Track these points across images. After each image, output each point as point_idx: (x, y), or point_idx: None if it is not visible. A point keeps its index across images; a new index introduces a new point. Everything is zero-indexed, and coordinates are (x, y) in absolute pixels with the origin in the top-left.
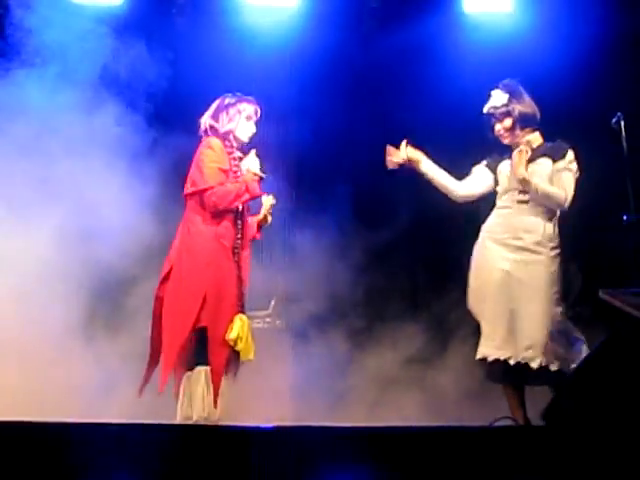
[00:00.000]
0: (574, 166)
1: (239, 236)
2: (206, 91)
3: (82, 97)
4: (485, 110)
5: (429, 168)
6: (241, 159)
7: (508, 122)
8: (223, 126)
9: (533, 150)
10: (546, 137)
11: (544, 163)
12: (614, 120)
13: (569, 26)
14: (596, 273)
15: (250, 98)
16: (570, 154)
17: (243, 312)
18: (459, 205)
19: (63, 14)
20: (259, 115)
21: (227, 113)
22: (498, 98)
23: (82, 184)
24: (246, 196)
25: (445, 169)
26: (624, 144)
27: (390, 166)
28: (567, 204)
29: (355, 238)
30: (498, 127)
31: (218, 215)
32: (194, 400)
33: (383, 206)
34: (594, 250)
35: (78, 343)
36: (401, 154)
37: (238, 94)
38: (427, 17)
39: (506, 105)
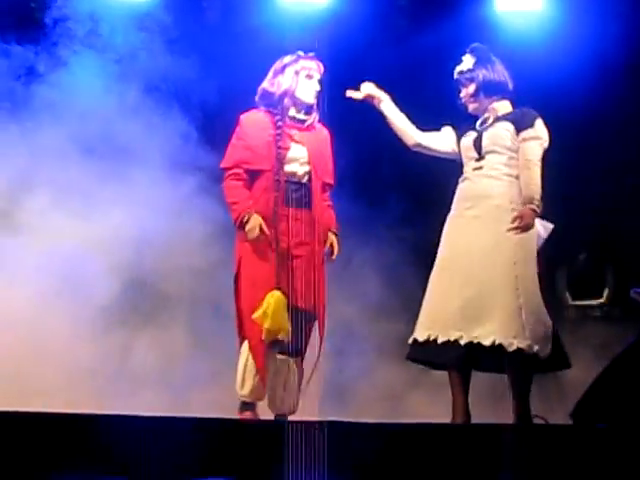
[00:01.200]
0: (543, 135)
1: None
2: (236, 93)
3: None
4: (455, 75)
5: (389, 109)
6: (303, 123)
7: (472, 88)
8: (279, 89)
9: (497, 117)
10: (574, 135)
11: (504, 128)
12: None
13: (599, 24)
14: (628, 273)
15: (310, 54)
16: (539, 122)
17: (279, 289)
18: None
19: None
20: (322, 72)
21: (283, 74)
22: (465, 63)
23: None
24: (232, 212)
25: None
26: None
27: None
28: (538, 195)
29: None
30: (463, 92)
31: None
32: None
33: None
34: (627, 250)
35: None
36: (363, 89)
37: (299, 53)
38: (458, 15)
39: (471, 70)
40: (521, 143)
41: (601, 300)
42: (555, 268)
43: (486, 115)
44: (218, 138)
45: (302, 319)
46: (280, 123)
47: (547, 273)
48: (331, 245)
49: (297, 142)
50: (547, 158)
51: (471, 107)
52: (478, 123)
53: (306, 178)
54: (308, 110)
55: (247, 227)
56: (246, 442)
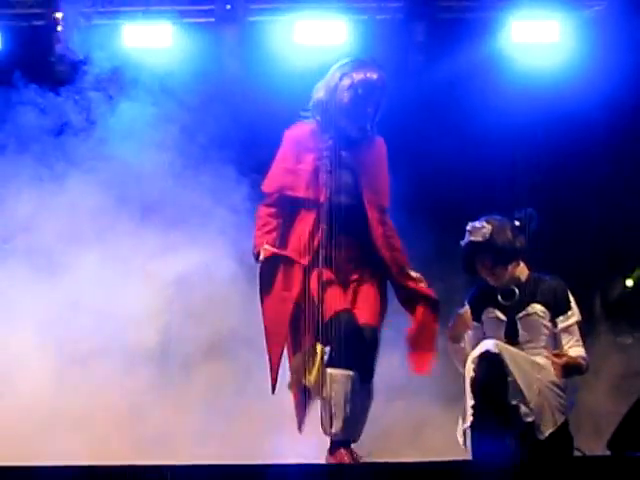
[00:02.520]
0: (577, 311)
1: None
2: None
3: None
4: (469, 239)
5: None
6: (356, 144)
7: (489, 259)
8: (332, 99)
9: (524, 293)
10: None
11: (539, 315)
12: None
13: (616, 56)
14: None
15: (370, 62)
16: (571, 298)
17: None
18: None
19: None
20: (384, 83)
21: (339, 83)
22: (480, 231)
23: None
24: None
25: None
26: None
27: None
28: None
29: None
30: (480, 266)
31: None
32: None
33: None
34: None
35: None
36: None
37: (359, 59)
38: (475, 48)
39: (488, 240)
40: (561, 333)
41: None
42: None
43: (507, 283)
44: None
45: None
46: (330, 142)
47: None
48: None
49: (348, 167)
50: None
51: (491, 280)
52: (501, 297)
53: (358, 206)
54: (362, 127)
55: (259, 259)
56: None
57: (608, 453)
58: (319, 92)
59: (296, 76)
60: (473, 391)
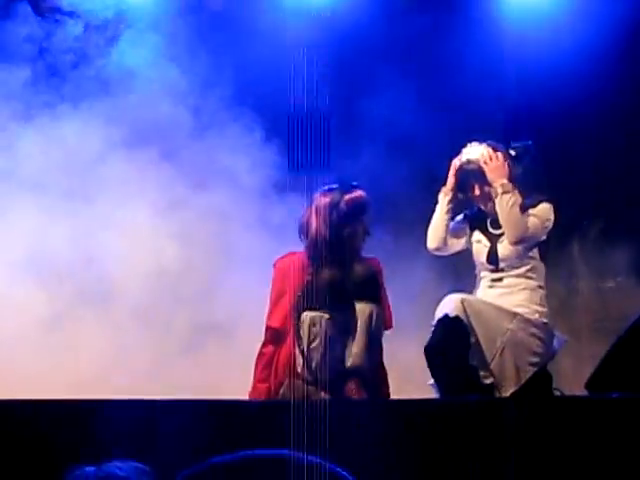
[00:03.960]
0: (546, 214)
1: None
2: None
3: None
4: (460, 163)
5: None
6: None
7: (486, 186)
8: (318, 230)
9: None
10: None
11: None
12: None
13: (609, 6)
14: None
15: (355, 188)
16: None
17: None
18: None
19: None
20: (368, 206)
21: (324, 211)
22: (473, 151)
23: None
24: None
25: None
26: None
27: None
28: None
29: None
30: (477, 191)
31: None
32: None
33: None
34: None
35: None
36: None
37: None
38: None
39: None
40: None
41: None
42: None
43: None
44: None
45: None
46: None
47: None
48: None
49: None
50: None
51: (483, 205)
52: (490, 224)
53: None
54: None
55: None
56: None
57: (586, 394)
58: (308, 217)
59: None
60: (427, 358)
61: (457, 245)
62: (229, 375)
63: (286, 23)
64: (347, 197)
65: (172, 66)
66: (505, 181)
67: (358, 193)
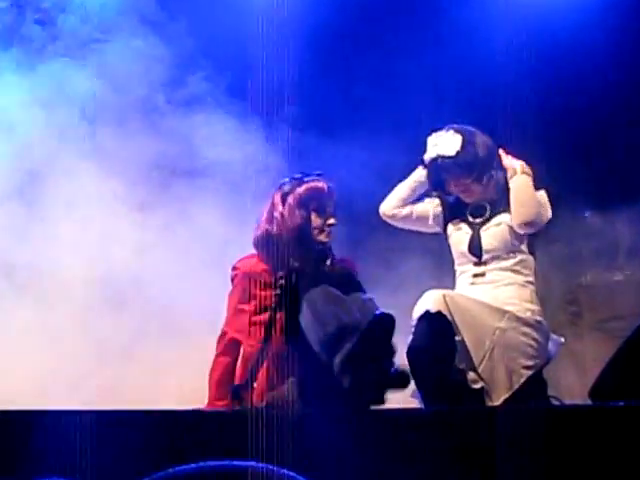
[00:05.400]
0: (548, 204)
1: None
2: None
3: None
4: (430, 156)
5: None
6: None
7: (465, 178)
8: (280, 229)
9: (493, 205)
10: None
11: (507, 221)
12: None
13: None
14: None
15: (314, 177)
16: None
17: None
18: None
19: None
20: (334, 197)
21: (284, 208)
22: (448, 144)
23: None
24: None
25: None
26: None
27: None
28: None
29: None
30: (452, 185)
31: None
32: None
33: None
34: None
35: None
36: None
37: (298, 176)
38: None
39: (460, 153)
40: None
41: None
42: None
43: (477, 201)
44: None
45: None
46: (282, 282)
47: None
48: None
49: None
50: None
51: (463, 196)
52: (470, 215)
53: None
54: (322, 257)
55: None
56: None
57: (590, 402)
58: (262, 224)
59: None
60: (409, 362)
61: (418, 216)
62: (175, 384)
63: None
64: (305, 187)
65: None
66: (524, 163)
67: (318, 183)
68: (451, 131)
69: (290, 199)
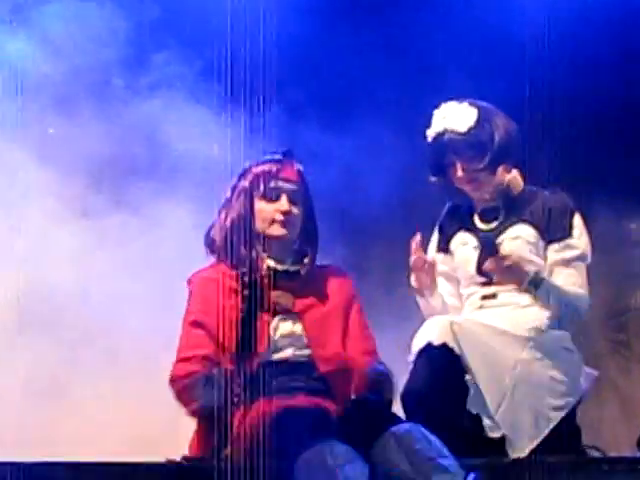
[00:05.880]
0: (583, 244)
1: None
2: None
3: None
4: (436, 134)
5: None
6: (292, 277)
7: (477, 161)
8: (233, 224)
9: (507, 214)
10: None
11: (525, 240)
12: None
13: None
14: None
15: (271, 157)
16: (577, 221)
17: None
18: None
19: None
20: (302, 177)
21: (238, 200)
22: (460, 119)
23: None
24: None
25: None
26: None
27: None
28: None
29: None
30: (459, 171)
31: None
32: None
33: None
34: None
35: None
36: None
37: (269, 157)
38: None
39: (475, 129)
40: (555, 267)
41: None
42: None
43: (492, 196)
44: None
45: None
46: (245, 290)
47: None
48: None
49: (285, 313)
50: None
51: (470, 189)
52: (479, 218)
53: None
54: (295, 252)
55: None
56: None
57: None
58: (215, 224)
59: None
60: (404, 408)
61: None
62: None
63: None
64: (254, 169)
65: None
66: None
67: (272, 164)
68: (465, 103)
69: (239, 185)
